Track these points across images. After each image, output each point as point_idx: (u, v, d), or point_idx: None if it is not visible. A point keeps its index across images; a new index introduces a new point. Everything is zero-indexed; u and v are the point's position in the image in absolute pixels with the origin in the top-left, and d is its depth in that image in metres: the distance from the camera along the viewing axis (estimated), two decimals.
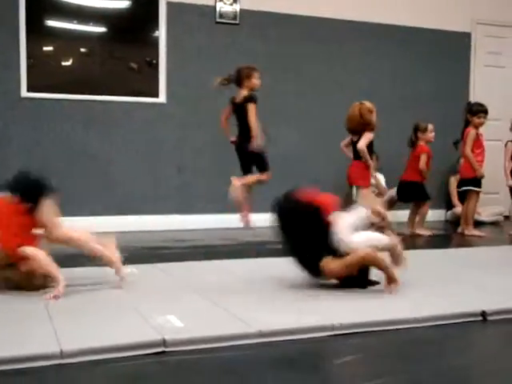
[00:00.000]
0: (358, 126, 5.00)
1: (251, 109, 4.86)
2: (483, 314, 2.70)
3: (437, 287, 3.20)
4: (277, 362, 2.17)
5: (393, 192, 6.03)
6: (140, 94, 5.70)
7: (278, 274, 3.49)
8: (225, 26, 5.89)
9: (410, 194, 5.75)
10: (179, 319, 2.48)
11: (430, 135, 5.77)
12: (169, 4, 5.68)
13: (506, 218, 6.71)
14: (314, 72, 6.15)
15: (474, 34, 6.89)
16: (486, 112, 5.63)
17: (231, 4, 5.86)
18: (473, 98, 6.60)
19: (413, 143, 5.80)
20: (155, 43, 5.70)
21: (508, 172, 5.93)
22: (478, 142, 5.65)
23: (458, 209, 6.34)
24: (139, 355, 2.16)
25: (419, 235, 5.60)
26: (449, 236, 5.70)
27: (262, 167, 4.94)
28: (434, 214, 6.35)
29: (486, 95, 6.33)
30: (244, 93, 4.93)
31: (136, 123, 5.67)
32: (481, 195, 5.78)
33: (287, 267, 3.74)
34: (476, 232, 5.59)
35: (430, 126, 5.78)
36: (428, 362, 2.17)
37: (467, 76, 6.91)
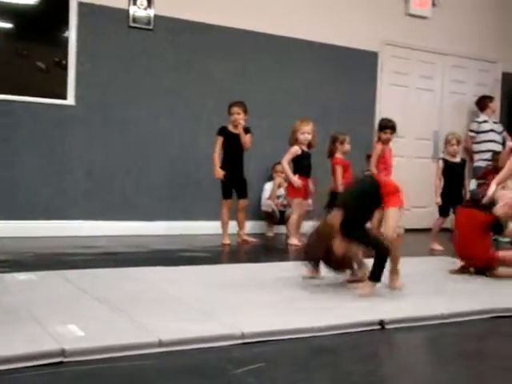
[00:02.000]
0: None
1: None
2: (381, 322, 2.80)
3: (335, 297, 3.28)
4: (178, 371, 2.16)
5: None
6: (47, 95, 5.51)
7: (185, 282, 3.47)
8: (138, 31, 5.82)
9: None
10: (80, 328, 2.41)
11: (347, 147, 5.91)
12: (80, 4, 5.55)
13: (406, 230, 6.97)
14: (225, 81, 6.19)
15: (382, 54, 7.19)
16: (392, 128, 5.76)
17: (145, 9, 5.80)
18: (378, 115, 6.87)
19: (331, 154, 5.91)
20: (65, 43, 5.54)
21: (438, 190, 5.73)
22: (383, 158, 5.77)
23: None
24: (35, 366, 2.08)
25: None
26: None
27: None
28: None
29: (390, 113, 6.58)
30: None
31: (42, 125, 5.48)
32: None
33: (197, 275, 3.74)
34: None
35: (347, 138, 5.91)
36: (326, 370, 2.23)
37: (374, 94, 7.19)
